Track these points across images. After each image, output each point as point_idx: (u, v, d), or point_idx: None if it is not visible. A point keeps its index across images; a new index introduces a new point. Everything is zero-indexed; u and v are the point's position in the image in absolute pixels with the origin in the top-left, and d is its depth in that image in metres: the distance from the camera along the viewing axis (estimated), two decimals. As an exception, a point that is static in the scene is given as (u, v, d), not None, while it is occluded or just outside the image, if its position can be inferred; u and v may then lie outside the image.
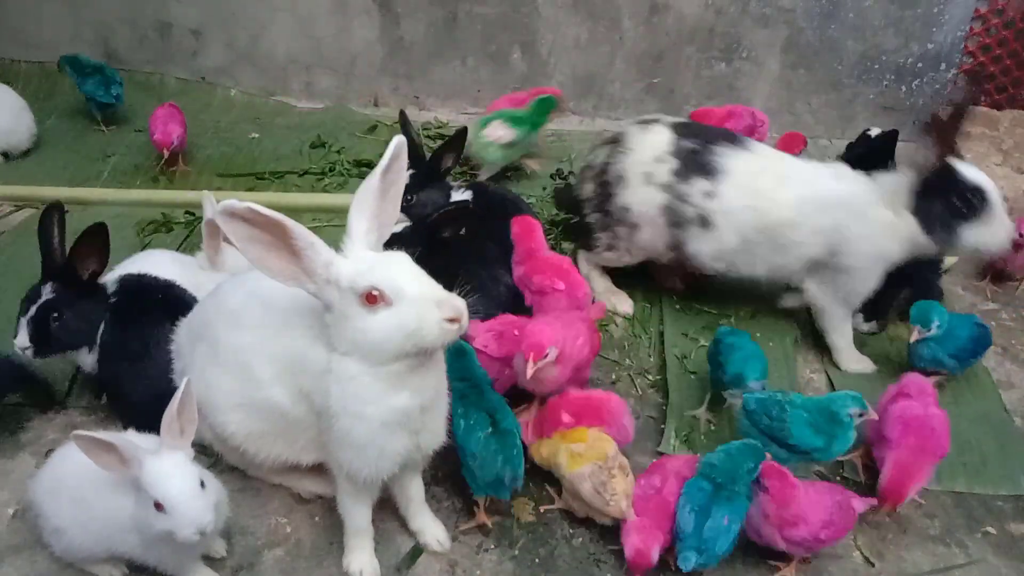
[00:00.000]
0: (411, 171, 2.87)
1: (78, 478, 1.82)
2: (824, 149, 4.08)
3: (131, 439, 1.77)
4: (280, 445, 2.00)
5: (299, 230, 1.65)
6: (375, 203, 1.75)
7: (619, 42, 4.14)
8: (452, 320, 1.64)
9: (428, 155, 2.95)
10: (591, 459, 2.00)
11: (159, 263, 2.61)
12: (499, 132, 3.39)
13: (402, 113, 3.13)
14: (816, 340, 2.86)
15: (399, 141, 1.81)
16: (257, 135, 4.01)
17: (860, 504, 2.03)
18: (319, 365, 1.75)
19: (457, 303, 1.65)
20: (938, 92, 4.09)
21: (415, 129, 3.16)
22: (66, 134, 3.87)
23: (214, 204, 2.63)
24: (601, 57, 4.18)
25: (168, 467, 1.71)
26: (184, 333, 2.17)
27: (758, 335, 2.83)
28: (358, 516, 1.98)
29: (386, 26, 4.18)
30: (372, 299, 1.64)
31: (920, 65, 4.05)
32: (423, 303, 1.64)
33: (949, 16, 3.91)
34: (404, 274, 1.67)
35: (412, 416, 1.78)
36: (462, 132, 2.95)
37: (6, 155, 3.71)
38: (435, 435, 1.91)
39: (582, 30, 4.12)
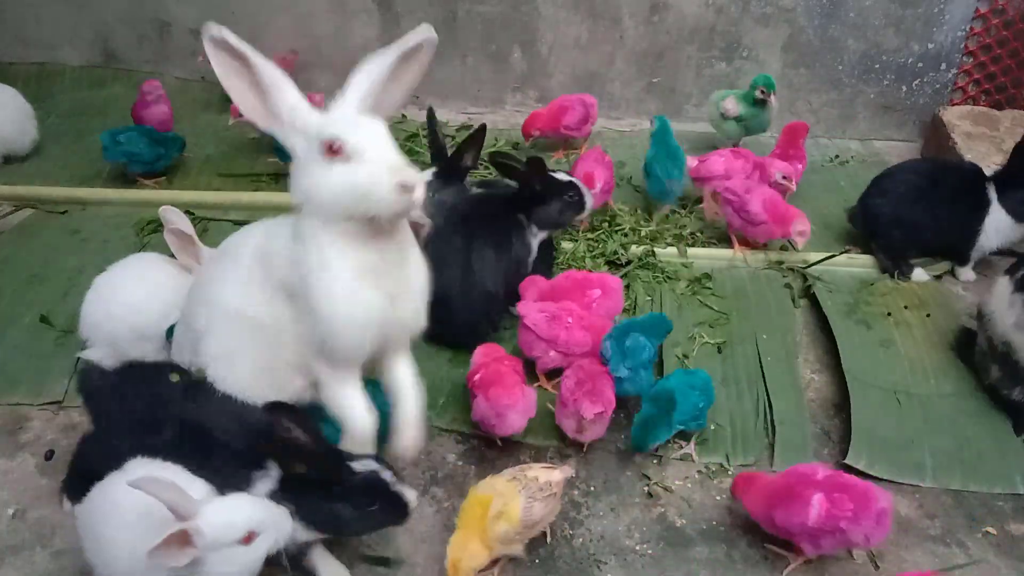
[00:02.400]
0: (432, 169, 2.88)
1: (121, 521, 1.73)
2: (824, 148, 4.08)
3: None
4: (265, 378, 1.97)
5: (266, 68, 1.68)
6: (384, 74, 1.80)
7: (619, 41, 4.13)
8: (405, 188, 1.64)
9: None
10: (511, 499, 1.91)
11: (149, 266, 2.61)
12: (730, 106, 3.67)
13: (430, 110, 3.12)
14: (816, 340, 2.86)
15: (429, 34, 1.89)
16: (257, 135, 4.00)
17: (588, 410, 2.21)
18: (283, 241, 1.83)
19: (413, 173, 1.66)
20: (938, 92, 4.09)
21: (441, 127, 3.17)
22: (66, 134, 3.86)
23: (182, 216, 2.61)
24: (601, 56, 4.17)
25: (234, 502, 1.70)
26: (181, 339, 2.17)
27: (758, 333, 2.83)
28: (354, 399, 1.95)
29: (386, 25, 4.17)
30: (332, 151, 1.66)
31: (921, 65, 4.04)
32: (379, 165, 1.65)
33: (950, 16, 3.91)
34: (370, 134, 1.68)
35: (380, 271, 1.78)
36: (481, 130, 2.94)
37: (6, 158, 3.70)
38: (414, 311, 1.91)
39: (582, 29, 4.11)
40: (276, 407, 1.77)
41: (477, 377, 2.33)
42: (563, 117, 3.73)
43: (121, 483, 1.67)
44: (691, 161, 3.36)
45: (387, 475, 1.84)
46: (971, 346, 2.68)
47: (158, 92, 3.72)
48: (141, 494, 1.57)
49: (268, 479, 1.82)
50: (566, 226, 3.06)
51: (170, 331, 2.29)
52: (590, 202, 2.99)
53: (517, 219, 2.83)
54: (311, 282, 1.78)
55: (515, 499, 1.91)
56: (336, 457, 1.82)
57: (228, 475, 1.79)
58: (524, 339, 2.53)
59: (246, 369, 1.99)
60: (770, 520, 2.03)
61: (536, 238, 2.88)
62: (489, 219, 2.79)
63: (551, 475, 2.00)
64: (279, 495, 1.80)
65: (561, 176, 2.93)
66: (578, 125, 3.76)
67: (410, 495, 1.86)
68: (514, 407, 2.25)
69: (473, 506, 1.92)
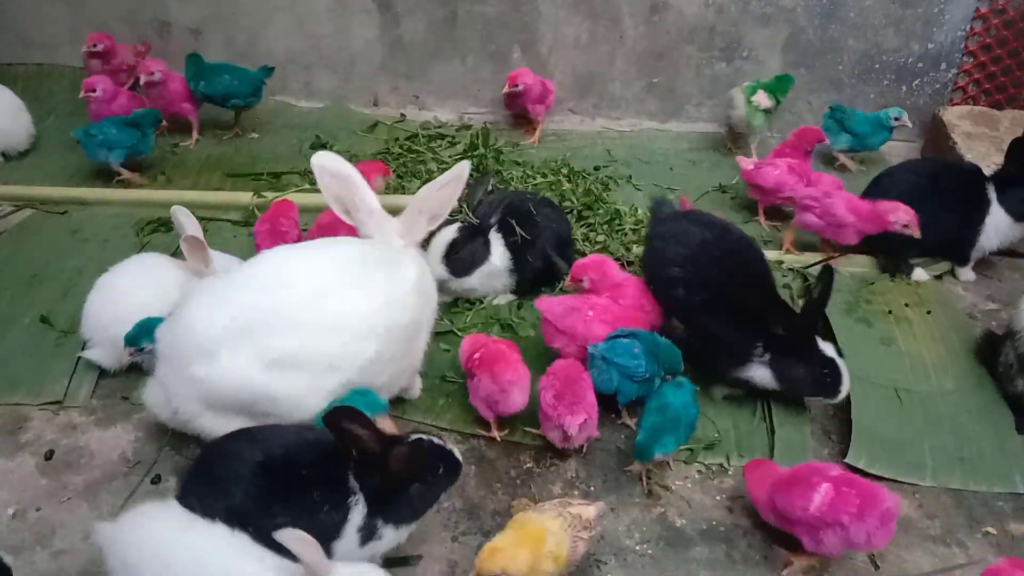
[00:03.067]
0: (457, 224, 2.83)
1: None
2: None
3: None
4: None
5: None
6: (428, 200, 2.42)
7: (619, 41, 4.13)
8: None
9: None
10: (561, 539, 1.88)
11: (153, 266, 2.62)
12: (762, 99, 3.79)
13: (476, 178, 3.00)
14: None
15: (463, 168, 2.42)
16: (257, 135, 4.00)
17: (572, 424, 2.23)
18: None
19: None
20: (938, 92, 4.09)
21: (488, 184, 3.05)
22: (65, 134, 3.85)
23: (192, 219, 2.61)
24: (601, 56, 4.17)
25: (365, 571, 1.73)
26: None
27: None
28: None
29: (385, 25, 4.17)
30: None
31: (920, 65, 4.04)
32: None
33: (950, 16, 3.91)
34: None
35: None
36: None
37: (4, 155, 3.70)
38: None
39: (582, 29, 4.11)
40: (334, 413, 1.81)
41: (477, 356, 2.34)
42: (529, 89, 3.96)
43: (190, 536, 1.68)
44: (746, 164, 3.36)
45: (433, 439, 1.93)
46: (993, 351, 2.67)
47: (105, 86, 3.69)
48: (209, 549, 1.61)
49: (360, 502, 1.85)
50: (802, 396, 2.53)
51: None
52: (846, 389, 2.44)
53: (756, 350, 2.45)
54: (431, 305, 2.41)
55: (564, 540, 1.87)
56: (389, 439, 1.85)
57: (325, 508, 1.82)
58: (545, 331, 2.55)
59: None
60: (771, 504, 2.03)
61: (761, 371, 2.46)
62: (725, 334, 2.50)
63: (589, 511, 1.96)
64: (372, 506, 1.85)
65: (826, 348, 2.44)
66: (533, 101, 3.99)
67: (455, 449, 1.97)
68: (518, 383, 2.30)
69: (528, 530, 1.87)
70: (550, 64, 4.20)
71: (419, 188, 2.54)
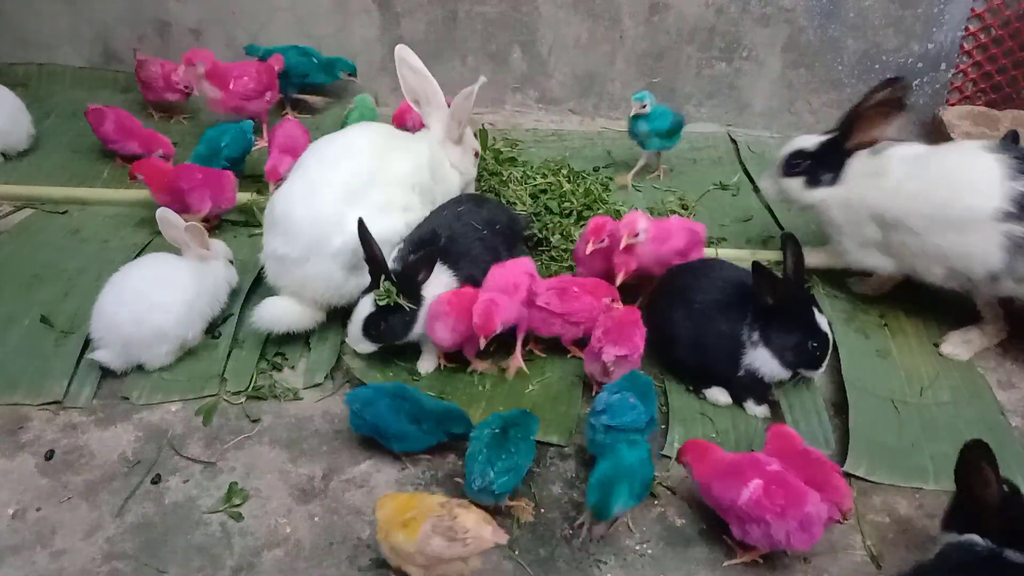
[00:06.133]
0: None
1: None
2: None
3: None
4: None
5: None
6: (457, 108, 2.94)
7: (619, 41, 4.13)
8: None
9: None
10: (423, 517, 1.85)
11: (169, 266, 2.63)
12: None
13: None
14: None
15: (478, 83, 2.93)
16: (257, 135, 4.00)
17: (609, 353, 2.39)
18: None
19: None
20: (938, 92, 4.10)
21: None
22: (65, 134, 3.86)
23: (178, 218, 2.66)
24: (601, 56, 4.18)
25: None
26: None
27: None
28: None
29: (386, 25, 4.17)
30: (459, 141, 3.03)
31: (920, 65, 4.05)
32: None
33: (949, 16, 3.91)
34: None
35: None
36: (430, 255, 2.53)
37: (4, 155, 3.70)
38: None
39: (582, 29, 4.12)
40: None
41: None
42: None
43: None
44: None
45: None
46: None
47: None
48: None
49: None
50: (795, 369, 2.49)
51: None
52: (824, 364, 2.51)
53: (745, 315, 2.45)
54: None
55: (421, 521, 1.84)
56: None
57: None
58: (538, 318, 2.58)
59: None
60: (708, 489, 2.08)
61: (755, 349, 2.45)
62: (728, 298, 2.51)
63: (480, 528, 1.85)
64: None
65: (820, 319, 2.47)
66: None
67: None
68: (441, 320, 2.46)
69: (412, 498, 1.95)
70: (550, 64, 4.20)
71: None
